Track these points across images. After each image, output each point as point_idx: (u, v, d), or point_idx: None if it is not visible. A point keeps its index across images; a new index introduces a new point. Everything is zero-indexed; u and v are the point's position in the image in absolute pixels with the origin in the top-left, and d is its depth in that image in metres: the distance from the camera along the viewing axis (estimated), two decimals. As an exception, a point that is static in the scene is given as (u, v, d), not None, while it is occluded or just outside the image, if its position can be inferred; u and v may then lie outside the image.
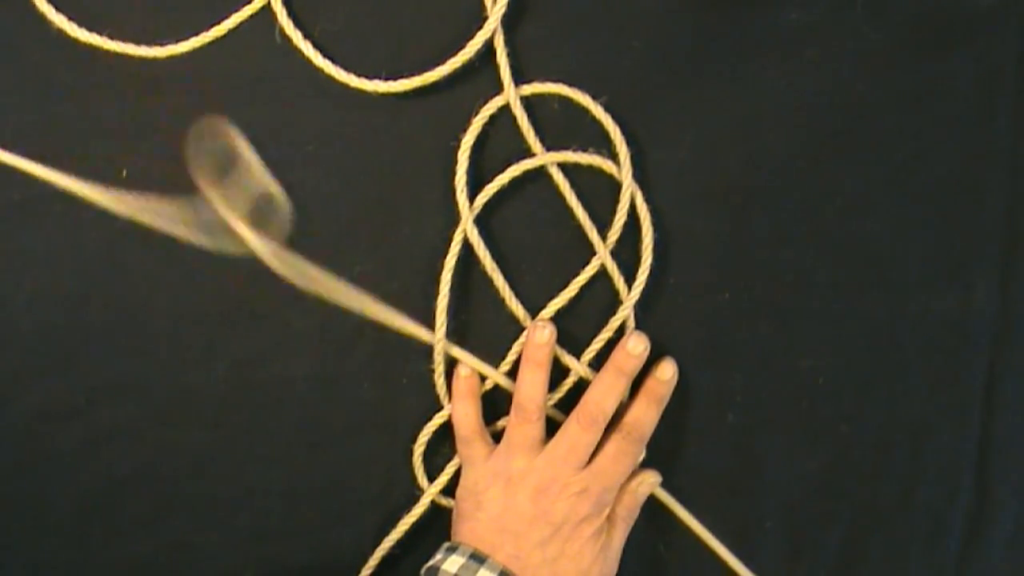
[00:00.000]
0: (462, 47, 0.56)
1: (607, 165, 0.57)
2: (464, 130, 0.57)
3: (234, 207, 0.54)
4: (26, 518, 0.60)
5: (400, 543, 0.59)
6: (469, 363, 0.57)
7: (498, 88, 0.57)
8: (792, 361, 0.60)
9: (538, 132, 0.57)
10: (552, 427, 0.57)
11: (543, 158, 0.57)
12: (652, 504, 0.59)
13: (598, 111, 0.57)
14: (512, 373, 0.58)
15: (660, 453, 0.59)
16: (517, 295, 0.58)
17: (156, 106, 0.58)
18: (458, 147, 0.57)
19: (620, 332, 0.58)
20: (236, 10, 0.57)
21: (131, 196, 0.54)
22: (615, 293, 0.58)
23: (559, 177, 0.58)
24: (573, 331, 0.58)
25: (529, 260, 0.59)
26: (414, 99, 0.57)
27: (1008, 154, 0.59)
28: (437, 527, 0.59)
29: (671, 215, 0.58)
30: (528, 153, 0.58)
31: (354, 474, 0.60)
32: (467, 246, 0.58)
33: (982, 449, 0.60)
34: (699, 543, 0.60)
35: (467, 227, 0.57)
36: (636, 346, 0.57)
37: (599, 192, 0.58)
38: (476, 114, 0.56)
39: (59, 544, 0.60)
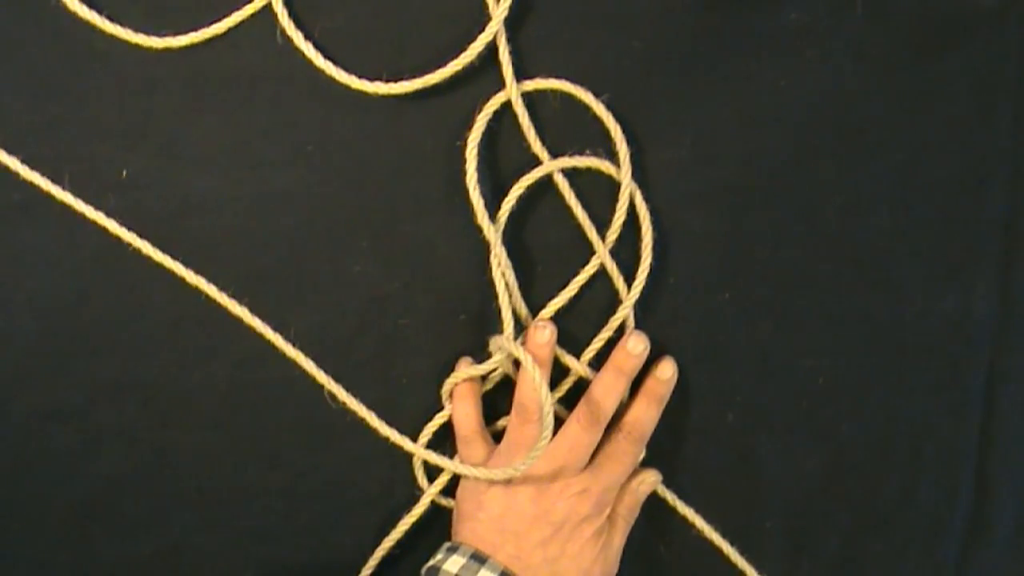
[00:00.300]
0: (463, 48, 0.56)
1: (606, 166, 0.57)
2: (468, 129, 0.57)
3: None
4: (26, 518, 0.60)
5: (400, 543, 0.59)
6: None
7: (499, 88, 0.57)
8: (792, 361, 0.60)
9: (538, 131, 0.57)
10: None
11: (549, 166, 0.57)
12: (652, 504, 0.59)
13: (599, 108, 0.57)
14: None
15: (660, 453, 0.59)
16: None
17: (156, 106, 0.58)
18: (464, 146, 0.57)
19: (620, 332, 0.58)
20: (237, 9, 0.57)
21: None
22: (615, 293, 0.58)
23: (559, 177, 0.58)
24: (573, 331, 0.58)
25: (529, 260, 0.59)
26: (414, 100, 0.57)
27: (1008, 154, 0.59)
28: (437, 527, 0.59)
29: (671, 215, 0.59)
30: (529, 151, 0.58)
31: (354, 474, 0.60)
32: (479, 244, 0.58)
33: (982, 449, 0.60)
34: (699, 543, 0.60)
35: (493, 240, 0.56)
36: (636, 346, 0.57)
37: (599, 191, 0.58)
38: (479, 111, 0.56)
39: (59, 544, 0.60)
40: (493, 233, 0.56)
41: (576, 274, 0.58)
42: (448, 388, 0.58)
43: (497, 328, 0.57)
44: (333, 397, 0.58)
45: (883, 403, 0.60)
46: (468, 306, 0.59)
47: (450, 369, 0.58)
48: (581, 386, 0.58)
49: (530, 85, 0.57)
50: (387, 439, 0.58)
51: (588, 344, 0.58)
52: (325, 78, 0.57)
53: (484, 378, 0.59)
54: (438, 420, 0.59)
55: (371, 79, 0.57)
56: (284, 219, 0.58)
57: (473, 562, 0.53)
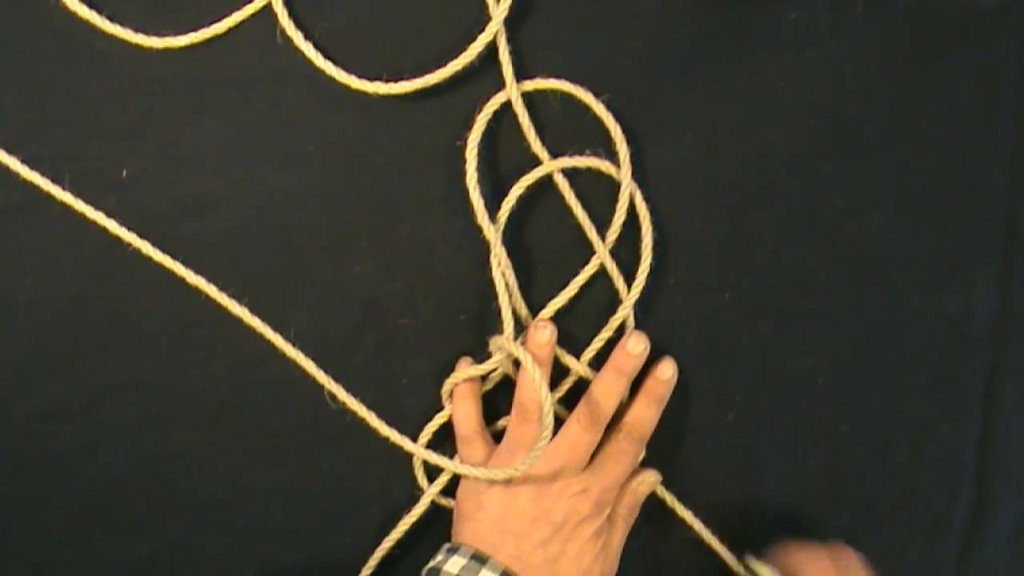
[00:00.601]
0: (463, 48, 0.56)
1: (606, 166, 0.57)
2: (468, 129, 0.57)
3: None
4: (26, 518, 0.60)
5: (400, 543, 0.59)
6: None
7: (499, 89, 0.57)
8: (792, 361, 0.60)
9: (538, 131, 0.57)
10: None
11: (549, 166, 0.57)
12: (652, 504, 0.59)
13: (599, 108, 0.57)
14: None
15: (660, 453, 0.59)
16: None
17: (156, 106, 0.58)
18: (464, 146, 0.57)
19: (620, 332, 0.58)
20: (237, 9, 0.57)
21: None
22: (615, 293, 0.58)
23: (559, 177, 0.58)
24: (573, 331, 0.58)
25: (529, 260, 0.59)
26: (414, 100, 0.57)
27: (1008, 154, 0.59)
28: (437, 527, 0.59)
29: (671, 215, 0.59)
30: (529, 151, 0.58)
31: (354, 474, 0.60)
32: (479, 244, 0.58)
33: (982, 449, 0.60)
34: (699, 543, 0.60)
35: (493, 240, 0.56)
36: (636, 346, 0.57)
37: (599, 191, 0.58)
38: (479, 111, 0.56)
39: (59, 544, 0.60)
40: (493, 233, 0.56)
41: (576, 274, 0.58)
42: (448, 388, 0.58)
43: (497, 328, 0.57)
44: (333, 397, 0.58)
45: (883, 403, 0.60)
46: (468, 306, 0.59)
47: (450, 369, 0.58)
48: (581, 386, 0.58)
49: (530, 85, 0.57)
50: (387, 439, 0.58)
51: (588, 344, 0.58)
52: (325, 78, 0.57)
53: (484, 378, 0.59)
54: (438, 420, 0.59)
55: (371, 79, 0.57)
56: (284, 219, 0.58)
57: (474, 563, 0.53)
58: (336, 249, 0.59)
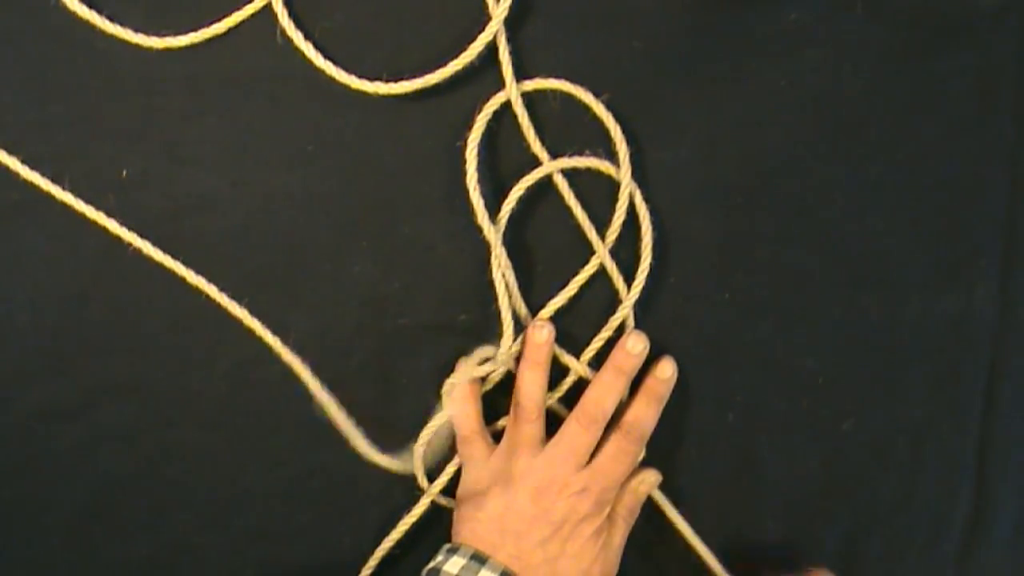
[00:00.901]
0: (463, 48, 0.56)
1: (605, 166, 0.57)
2: (468, 129, 0.57)
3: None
4: (26, 518, 0.60)
5: (400, 543, 0.59)
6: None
7: (499, 89, 0.57)
8: (792, 361, 0.60)
9: (538, 132, 0.57)
10: (554, 423, 0.57)
11: (549, 166, 0.57)
12: (652, 504, 0.59)
13: (599, 108, 0.57)
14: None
15: (660, 453, 0.59)
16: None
17: (156, 106, 0.58)
18: (464, 146, 0.57)
19: (620, 331, 0.58)
20: (237, 9, 0.57)
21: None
22: (615, 293, 0.58)
23: (559, 177, 0.58)
24: (573, 331, 0.58)
25: (529, 260, 0.59)
26: (414, 100, 0.57)
27: (1008, 154, 0.59)
28: (437, 527, 0.59)
29: (671, 215, 0.59)
30: (528, 151, 0.58)
31: (354, 474, 0.60)
32: (479, 245, 0.58)
33: (982, 449, 0.60)
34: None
35: (493, 241, 0.56)
36: (635, 345, 0.57)
37: (599, 191, 0.58)
38: (479, 111, 0.56)
39: (59, 544, 0.60)
40: (493, 233, 0.56)
41: (576, 274, 0.58)
42: (448, 388, 0.58)
43: (497, 328, 0.57)
44: (321, 410, 0.58)
45: (883, 403, 0.60)
46: (468, 306, 0.59)
47: (450, 369, 0.58)
48: (581, 386, 0.58)
49: (530, 85, 0.57)
50: (385, 438, 0.58)
51: (588, 344, 0.58)
52: (325, 78, 0.57)
53: (484, 378, 0.59)
54: (438, 420, 0.59)
55: (371, 79, 0.57)
56: (284, 219, 0.58)
57: (473, 563, 0.53)
58: (336, 249, 0.59)
